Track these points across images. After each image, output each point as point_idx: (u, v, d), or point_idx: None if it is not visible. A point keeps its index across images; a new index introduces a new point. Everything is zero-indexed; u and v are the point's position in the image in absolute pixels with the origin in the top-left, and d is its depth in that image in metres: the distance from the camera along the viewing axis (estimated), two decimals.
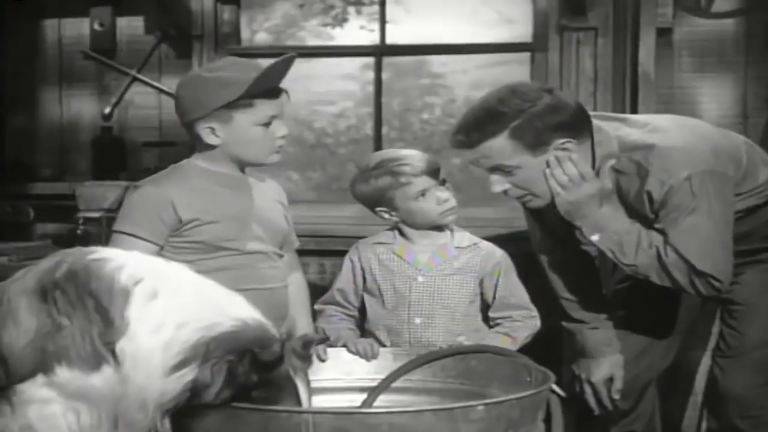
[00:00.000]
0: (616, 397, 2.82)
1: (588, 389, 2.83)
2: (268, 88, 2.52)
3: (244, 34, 4.39)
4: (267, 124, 2.53)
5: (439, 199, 2.76)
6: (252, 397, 1.92)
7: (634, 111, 3.64)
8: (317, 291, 2.93)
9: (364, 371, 2.60)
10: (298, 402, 1.97)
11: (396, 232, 2.86)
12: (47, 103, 4.45)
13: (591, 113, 2.67)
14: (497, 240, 2.94)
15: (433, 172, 2.77)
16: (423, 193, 2.76)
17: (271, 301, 2.47)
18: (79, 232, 3.95)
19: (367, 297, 2.84)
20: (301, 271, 2.84)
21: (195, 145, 2.61)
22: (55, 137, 4.45)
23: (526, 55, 4.07)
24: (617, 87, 3.77)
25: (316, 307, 2.88)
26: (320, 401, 2.41)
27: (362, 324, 2.87)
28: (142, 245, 2.43)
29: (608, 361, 2.80)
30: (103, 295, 1.93)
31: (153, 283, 1.96)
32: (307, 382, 2.02)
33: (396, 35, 4.29)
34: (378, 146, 4.18)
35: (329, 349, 2.63)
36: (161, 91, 4.25)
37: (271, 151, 2.57)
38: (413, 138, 4.49)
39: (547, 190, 2.58)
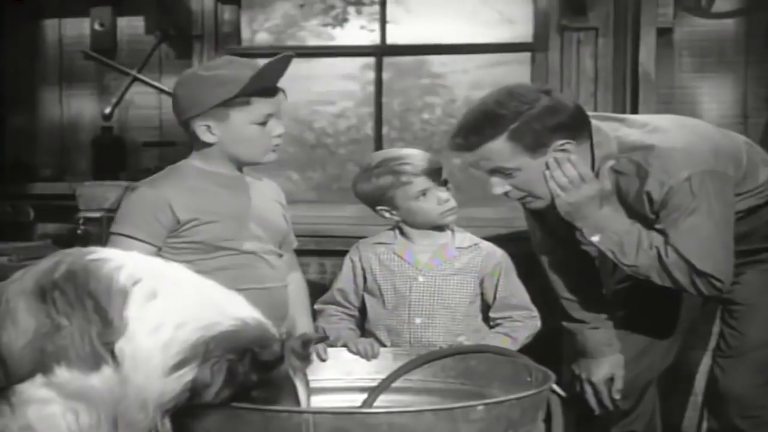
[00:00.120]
0: (617, 397, 2.82)
1: (588, 389, 2.83)
2: (265, 86, 2.52)
3: (245, 34, 4.39)
4: (263, 123, 2.53)
5: (440, 199, 2.76)
6: (251, 396, 1.92)
7: (635, 111, 3.64)
8: (317, 291, 2.93)
9: (365, 371, 2.60)
10: (297, 402, 1.97)
11: (397, 231, 2.86)
12: (47, 103, 4.45)
13: (589, 114, 2.66)
14: (497, 240, 2.94)
15: (435, 171, 2.77)
16: (424, 193, 2.76)
17: (271, 301, 2.47)
18: (79, 232, 3.95)
19: (367, 297, 2.84)
20: (300, 271, 2.84)
21: (192, 145, 2.61)
22: (55, 137, 4.45)
23: (526, 55, 4.07)
24: (617, 87, 3.77)
25: (316, 306, 2.88)
26: (320, 401, 2.41)
27: (362, 324, 2.87)
28: (140, 246, 2.43)
29: (609, 361, 2.80)
30: (102, 295, 1.93)
31: (152, 283, 1.96)
32: (306, 383, 2.02)
33: (396, 35, 4.29)
34: (378, 146, 4.18)
35: (329, 349, 2.63)
36: (161, 91, 4.25)
37: (267, 149, 2.57)
38: (413, 138, 4.48)
39: (547, 191, 2.58)
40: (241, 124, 2.52)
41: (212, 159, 2.58)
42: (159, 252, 2.48)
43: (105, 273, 1.96)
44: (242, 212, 2.59)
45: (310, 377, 2.07)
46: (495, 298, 2.80)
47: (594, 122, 2.63)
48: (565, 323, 2.87)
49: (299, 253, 2.88)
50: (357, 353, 2.64)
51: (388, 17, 4.26)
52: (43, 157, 4.45)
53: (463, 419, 1.93)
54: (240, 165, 2.61)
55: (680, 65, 3.79)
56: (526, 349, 2.65)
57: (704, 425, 3.14)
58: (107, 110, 4.35)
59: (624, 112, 3.60)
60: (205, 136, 2.53)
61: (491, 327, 2.81)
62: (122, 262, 2.00)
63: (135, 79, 4.32)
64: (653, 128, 2.64)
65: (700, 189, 2.50)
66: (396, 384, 2.47)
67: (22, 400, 1.94)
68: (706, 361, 3.34)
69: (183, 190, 2.54)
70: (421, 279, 2.78)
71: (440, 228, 2.82)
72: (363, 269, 2.85)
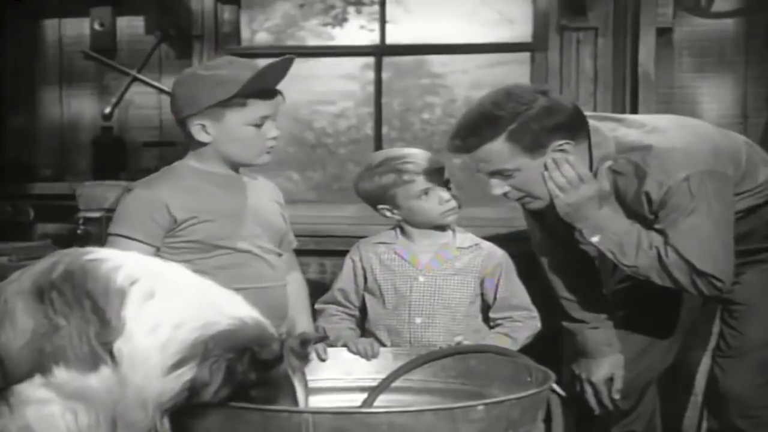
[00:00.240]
0: (617, 396, 2.82)
1: (588, 389, 2.83)
2: (264, 88, 2.52)
3: (244, 34, 4.39)
4: (259, 125, 2.53)
5: (441, 199, 2.76)
6: (250, 395, 1.92)
7: (634, 111, 3.64)
8: (317, 291, 2.93)
9: (365, 371, 2.60)
10: (296, 401, 1.97)
11: (397, 231, 2.86)
12: (47, 103, 4.45)
13: (587, 114, 2.66)
14: (497, 240, 2.94)
15: (437, 171, 2.77)
16: (425, 192, 2.76)
17: (270, 301, 2.47)
18: (79, 232, 3.95)
19: (367, 297, 2.84)
20: (300, 271, 2.84)
21: (188, 144, 2.62)
22: (55, 137, 4.45)
23: (526, 55, 4.07)
24: (617, 87, 3.77)
25: (316, 306, 2.88)
26: (320, 401, 2.41)
27: (363, 324, 2.87)
28: (138, 247, 2.43)
29: (609, 360, 2.80)
30: (100, 295, 1.93)
31: (149, 283, 1.96)
32: (305, 382, 2.02)
33: (396, 35, 4.29)
34: (378, 146, 4.18)
35: (329, 349, 2.63)
36: (161, 91, 4.25)
37: (261, 151, 2.57)
38: (413, 138, 4.48)
39: (546, 191, 2.58)
40: (236, 124, 2.52)
41: (207, 159, 2.58)
42: (157, 252, 2.48)
43: (102, 273, 1.96)
44: (239, 211, 2.59)
45: (310, 377, 2.07)
46: (495, 298, 2.80)
47: (592, 122, 2.63)
48: (565, 323, 2.87)
49: (299, 253, 2.88)
50: (357, 353, 2.64)
51: (388, 17, 4.26)
52: (43, 157, 4.45)
53: (463, 419, 1.93)
54: (233, 166, 2.61)
55: (680, 65, 3.79)
56: (526, 349, 2.65)
57: (704, 425, 3.14)
58: (107, 110, 4.35)
59: (624, 112, 3.60)
60: (200, 136, 2.54)
61: (491, 327, 2.81)
62: (120, 262, 2.00)
63: (135, 79, 4.32)
64: (651, 128, 2.64)
65: (698, 189, 2.50)
66: (396, 384, 2.47)
67: (20, 400, 1.94)
68: (706, 361, 3.34)
69: (179, 189, 2.54)
70: (421, 279, 2.78)
71: (441, 228, 2.82)
72: (363, 269, 2.85)
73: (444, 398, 2.43)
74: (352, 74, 4.47)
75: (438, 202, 2.76)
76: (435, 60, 4.47)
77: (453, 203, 2.78)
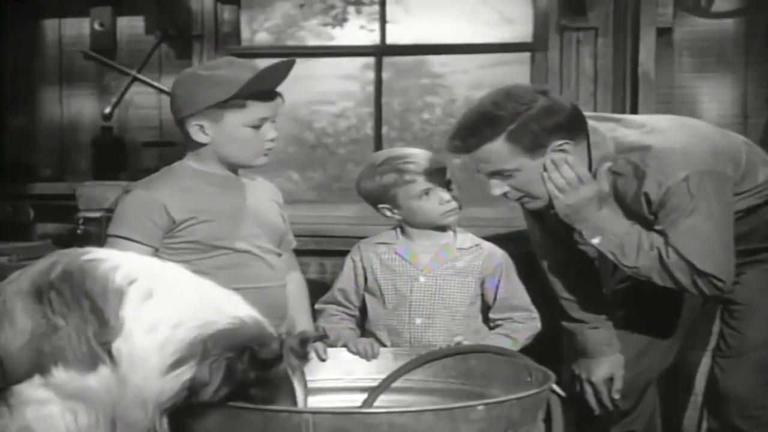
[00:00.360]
0: (617, 396, 2.82)
1: (588, 389, 2.83)
2: (263, 90, 2.52)
3: (244, 34, 4.39)
4: (257, 126, 2.53)
5: (442, 200, 2.76)
6: (249, 395, 1.91)
7: (634, 111, 3.64)
8: (317, 291, 2.93)
9: (365, 371, 2.60)
10: (295, 401, 1.97)
11: (398, 231, 2.86)
12: (47, 103, 4.45)
13: (586, 114, 2.66)
14: (497, 240, 2.94)
15: (439, 172, 2.77)
16: (426, 192, 2.76)
17: (269, 300, 2.47)
18: (79, 232, 3.95)
19: (368, 297, 2.84)
20: (299, 271, 2.84)
21: (187, 145, 2.62)
22: (55, 137, 4.45)
23: (526, 55, 4.07)
24: (617, 87, 3.77)
25: (316, 306, 2.88)
26: (320, 401, 2.41)
27: (363, 324, 2.87)
28: (137, 248, 2.43)
29: (608, 360, 2.80)
30: (98, 295, 1.93)
31: (148, 283, 1.96)
32: (304, 382, 2.02)
33: (396, 35, 4.29)
34: (378, 146, 4.18)
35: (329, 349, 2.63)
36: (161, 91, 4.25)
37: (259, 153, 2.57)
38: (413, 138, 4.49)
39: (546, 192, 2.58)
40: (235, 126, 2.52)
41: (205, 159, 2.59)
42: (156, 253, 2.48)
43: (101, 273, 1.96)
44: (237, 211, 2.59)
45: (310, 377, 2.07)
46: (495, 299, 2.80)
47: (591, 123, 2.63)
48: (564, 323, 2.87)
49: (299, 253, 2.88)
50: (357, 353, 2.64)
51: (388, 17, 4.26)
52: (43, 157, 4.45)
53: (463, 419, 1.93)
54: (231, 167, 2.61)
55: (680, 65, 3.79)
56: (526, 350, 2.65)
57: (704, 425, 3.14)
58: (107, 110, 4.35)
59: (624, 112, 3.60)
60: (198, 136, 2.54)
61: (491, 328, 2.81)
62: (118, 262, 2.00)
63: (135, 79, 4.32)
64: (650, 129, 2.64)
65: (698, 189, 2.50)
66: (396, 384, 2.47)
67: (20, 401, 1.94)
68: (706, 361, 3.34)
69: (177, 190, 2.54)
70: (422, 279, 2.78)
71: (442, 228, 2.82)
72: (364, 269, 2.84)
73: (444, 398, 2.43)
74: (352, 74, 4.47)
75: (438, 202, 2.76)
76: (435, 60, 4.47)
77: (453, 204, 2.77)
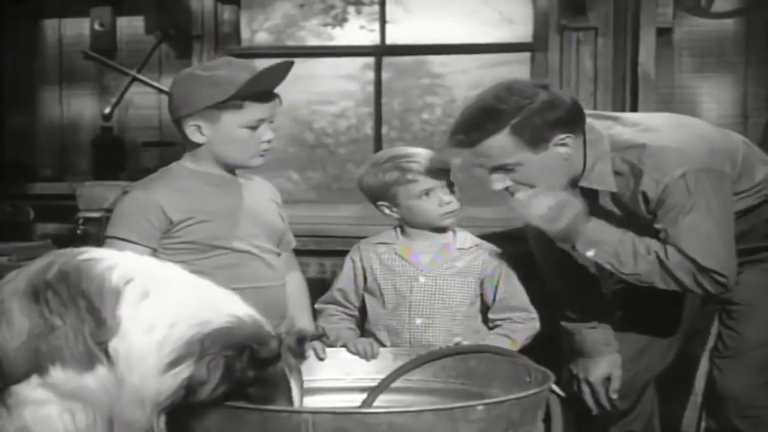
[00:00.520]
0: (614, 396, 2.82)
1: (586, 389, 2.83)
2: (260, 91, 2.52)
3: (244, 34, 4.39)
4: (254, 127, 2.53)
5: (441, 201, 2.76)
6: (247, 393, 1.91)
7: (634, 111, 3.63)
8: (317, 291, 2.93)
9: (364, 371, 2.60)
10: (290, 400, 1.97)
11: (398, 231, 2.86)
12: (47, 103, 4.45)
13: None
14: (497, 240, 2.94)
15: (441, 172, 2.76)
16: (427, 193, 2.75)
17: (269, 300, 2.47)
18: (79, 232, 3.95)
19: (367, 297, 2.84)
20: (299, 271, 2.84)
21: (185, 145, 2.62)
22: (55, 137, 4.45)
23: (526, 55, 4.07)
24: (617, 87, 3.77)
25: (316, 306, 2.87)
26: (320, 401, 2.42)
27: (362, 324, 2.87)
28: (134, 249, 2.43)
29: (606, 360, 2.80)
30: (94, 295, 1.93)
31: (144, 282, 1.96)
32: (301, 381, 2.02)
33: (396, 35, 4.29)
34: (378, 146, 4.18)
35: (329, 349, 2.63)
36: (161, 91, 4.25)
37: (255, 154, 2.57)
38: (413, 138, 4.49)
39: (548, 185, 2.58)
40: (231, 126, 2.52)
41: (202, 159, 2.59)
42: (155, 253, 2.48)
43: (97, 273, 1.96)
44: (235, 211, 2.59)
45: (309, 377, 2.07)
46: (495, 299, 2.79)
47: (588, 120, 2.63)
48: (563, 323, 2.87)
49: (299, 253, 2.88)
50: (356, 353, 2.64)
51: (388, 17, 4.26)
52: (43, 157, 4.45)
53: (463, 419, 1.93)
54: (227, 167, 2.62)
55: (680, 65, 3.79)
56: (525, 350, 2.65)
57: (703, 425, 3.13)
58: (107, 110, 4.35)
59: (623, 111, 3.60)
60: (195, 136, 2.54)
61: (490, 328, 2.81)
62: (114, 261, 2.00)
63: (135, 79, 4.32)
64: (646, 127, 2.65)
65: (696, 186, 2.50)
66: (396, 384, 2.47)
67: (18, 401, 1.94)
68: (705, 362, 3.33)
69: (174, 191, 2.55)
70: (422, 279, 2.78)
71: (441, 229, 2.82)
72: (364, 269, 2.84)
73: (444, 398, 2.43)
74: (352, 74, 4.47)
75: (438, 204, 2.76)
76: (435, 60, 4.47)
77: (452, 206, 2.77)
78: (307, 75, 4.30)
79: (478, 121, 2.54)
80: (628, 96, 3.72)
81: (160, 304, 1.94)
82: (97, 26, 4.31)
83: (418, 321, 2.76)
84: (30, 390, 1.93)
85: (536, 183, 2.59)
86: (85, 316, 1.92)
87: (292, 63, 2.55)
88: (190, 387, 1.88)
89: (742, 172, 2.65)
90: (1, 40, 4.45)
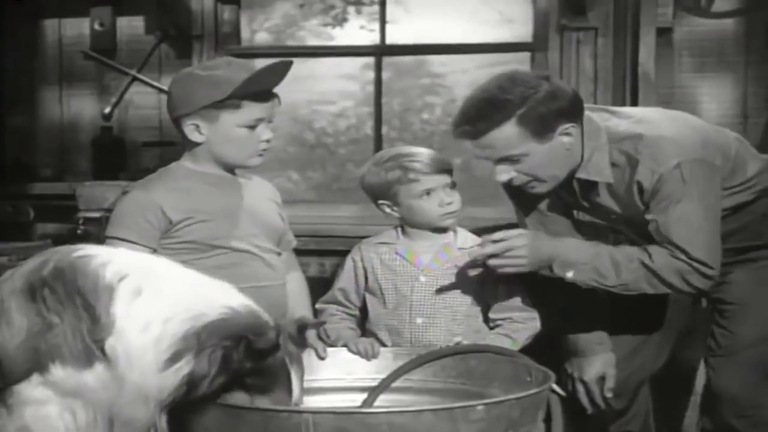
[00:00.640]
0: (609, 395, 2.81)
1: (580, 388, 2.82)
2: (259, 90, 2.52)
3: (244, 34, 4.40)
4: (252, 127, 2.53)
5: (442, 202, 2.75)
6: (245, 383, 1.91)
7: None
8: (317, 291, 2.92)
9: (365, 371, 2.60)
10: (290, 391, 1.96)
11: (399, 231, 2.85)
12: (47, 103, 4.45)
13: None
14: None
15: (443, 173, 2.76)
16: (428, 192, 2.75)
17: (269, 299, 2.46)
18: (79, 232, 3.96)
19: (368, 297, 2.84)
20: (300, 270, 2.84)
21: (184, 145, 2.62)
22: (55, 137, 4.45)
23: (526, 55, 4.08)
24: (617, 87, 3.77)
25: (317, 306, 2.87)
26: (320, 401, 2.41)
27: (363, 324, 2.87)
28: (135, 249, 2.43)
29: (600, 359, 2.80)
30: (89, 292, 1.92)
31: (137, 278, 1.95)
32: (302, 372, 2.01)
33: (396, 35, 4.29)
34: (378, 146, 4.18)
35: (329, 349, 2.63)
36: (161, 91, 4.25)
37: (253, 154, 2.57)
38: (413, 138, 4.49)
39: (552, 174, 2.58)
40: (230, 126, 2.52)
41: (201, 159, 2.59)
42: (155, 253, 2.48)
43: (92, 269, 1.95)
44: (234, 211, 2.59)
45: (310, 377, 2.07)
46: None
47: (586, 112, 2.64)
48: (558, 322, 2.86)
49: (299, 252, 2.88)
50: (357, 353, 2.64)
51: (388, 17, 4.27)
52: (43, 157, 4.46)
53: (463, 419, 1.93)
54: (226, 167, 2.62)
55: (680, 65, 3.79)
56: (526, 349, 2.65)
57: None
58: (107, 110, 4.36)
59: None
60: (193, 136, 2.54)
61: (491, 328, 2.81)
62: (108, 258, 1.99)
63: (135, 79, 4.32)
64: (639, 119, 2.65)
65: (690, 176, 2.50)
66: (396, 384, 2.46)
67: (19, 401, 1.94)
68: None
69: (173, 191, 2.55)
70: (422, 279, 2.77)
71: (441, 229, 2.81)
72: (364, 269, 2.84)
73: (444, 398, 2.43)
74: (352, 74, 4.48)
75: (438, 204, 2.75)
76: (435, 60, 4.48)
77: (453, 207, 2.77)
78: (307, 75, 4.31)
79: (484, 112, 2.54)
80: (628, 96, 3.72)
81: (154, 300, 1.93)
82: (97, 26, 4.31)
83: (419, 321, 2.75)
84: (31, 389, 1.93)
85: (540, 173, 2.59)
86: (81, 314, 1.91)
87: (290, 63, 2.55)
88: (191, 382, 1.88)
89: (735, 167, 2.66)
90: (1, 40, 4.45)
